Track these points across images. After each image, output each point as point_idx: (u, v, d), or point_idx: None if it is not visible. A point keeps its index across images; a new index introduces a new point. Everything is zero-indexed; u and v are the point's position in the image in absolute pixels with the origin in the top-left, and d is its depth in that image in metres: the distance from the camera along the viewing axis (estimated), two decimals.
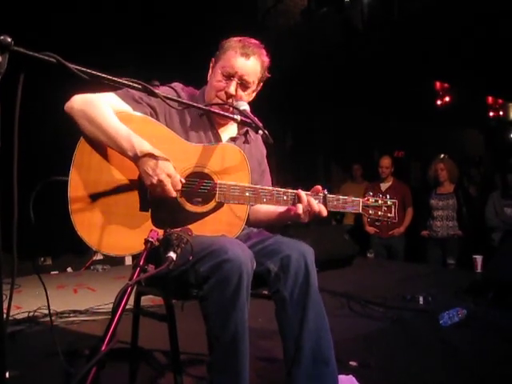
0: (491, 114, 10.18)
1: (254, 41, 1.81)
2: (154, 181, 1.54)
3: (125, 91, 1.69)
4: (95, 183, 1.61)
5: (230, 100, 1.77)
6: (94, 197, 1.60)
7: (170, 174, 1.55)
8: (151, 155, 1.54)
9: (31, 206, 1.55)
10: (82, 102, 1.61)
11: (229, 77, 1.76)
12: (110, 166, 1.63)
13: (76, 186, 1.60)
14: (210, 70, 1.87)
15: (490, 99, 9.99)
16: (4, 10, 3.89)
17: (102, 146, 1.61)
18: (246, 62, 1.76)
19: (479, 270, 4.34)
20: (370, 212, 1.85)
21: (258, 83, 1.85)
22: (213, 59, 1.86)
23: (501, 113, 10.28)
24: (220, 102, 1.77)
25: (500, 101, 10.07)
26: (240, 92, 1.79)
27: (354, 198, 1.83)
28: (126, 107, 1.68)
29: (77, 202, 1.59)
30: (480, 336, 2.68)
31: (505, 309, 3.09)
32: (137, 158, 1.55)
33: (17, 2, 4.34)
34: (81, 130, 1.60)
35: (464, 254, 4.89)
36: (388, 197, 1.88)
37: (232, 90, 1.76)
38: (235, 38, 1.82)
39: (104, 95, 1.66)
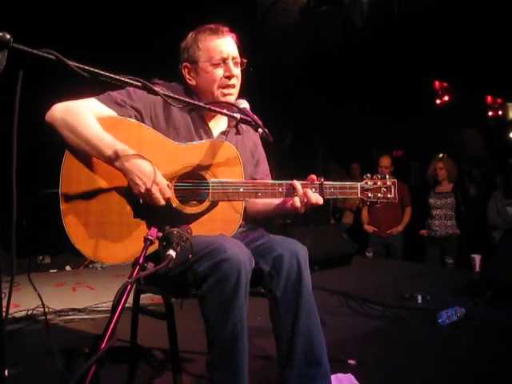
0: (490, 113, 10.18)
1: (213, 24, 1.81)
2: (142, 190, 1.53)
3: (106, 95, 1.66)
4: (86, 195, 1.59)
5: (233, 80, 1.77)
6: (87, 208, 1.59)
7: (158, 181, 1.54)
8: (137, 163, 1.52)
9: (25, 218, 1.54)
10: (62, 111, 1.57)
11: (223, 62, 1.76)
12: (99, 175, 1.61)
13: (67, 201, 1.58)
14: (191, 75, 1.83)
15: (489, 99, 9.99)
16: (3, 7, 3.87)
17: (88, 155, 1.58)
18: (227, 41, 1.78)
19: (477, 269, 4.35)
20: (369, 195, 1.79)
21: (241, 58, 1.83)
22: (186, 64, 1.82)
23: (500, 112, 10.28)
24: (224, 93, 1.77)
25: (499, 100, 10.07)
26: (236, 71, 1.79)
27: (351, 183, 1.78)
28: (109, 112, 1.64)
29: (70, 215, 1.58)
30: (478, 335, 2.69)
31: (503, 308, 3.09)
32: (123, 167, 1.53)
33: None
34: (64, 141, 1.57)
35: (462, 253, 4.90)
36: (387, 177, 1.82)
37: (233, 71, 1.76)
38: (194, 33, 1.82)
39: (85, 101, 1.63)
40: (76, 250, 1.59)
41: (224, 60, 1.76)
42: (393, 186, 1.81)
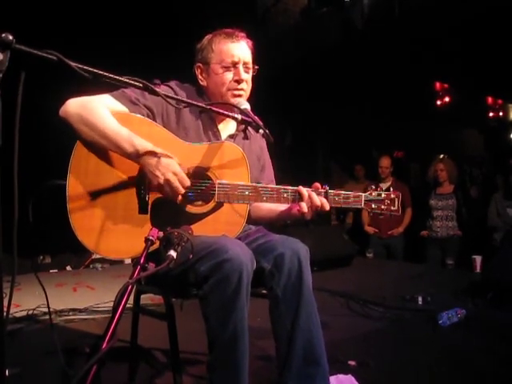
0: (491, 114, 10.19)
1: (229, 29, 1.84)
2: (161, 180, 1.53)
3: (120, 92, 1.67)
4: (93, 187, 1.60)
5: (242, 84, 1.79)
6: (93, 201, 1.59)
7: (176, 171, 1.54)
8: (154, 155, 1.53)
9: (30, 211, 1.54)
10: (77, 106, 1.58)
11: (233, 66, 1.78)
12: (108, 169, 1.61)
13: (74, 192, 1.59)
14: (203, 75, 1.85)
15: (490, 100, 10.00)
16: (6, 8, 3.88)
17: (99, 149, 1.59)
18: (240, 46, 1.80)
19: (478, 270, 4.35)
20: (373, 206, 1.80)
21: (253, 65, 1.85)
22: (199, 65, 1.85)
23: (500, 113, 10.28)
24: (234, 95, 1.78)
25: (500, 101, 10.08)
26: (245, 76, 1.81)
27: (356, 193, 1.79)
28: (122, 108, 1.66)
29: (75, 207, 1.59)
30: (479, 336, 2.68)
31: (504, 309, 3.09)
32: (141, 160, 1.53)
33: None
34: (78, 135, 1.58)
35: (463, 255, 4.89)
36: (391, 190, 1.84)
37: (243, 76, 1.78)
38: (210, 36, 1.84)
39: (99, 97, 1.63)
40: (78, 244, 1.59)
41: (235, 64, 1.78)
42: (396, 199, 1.82)
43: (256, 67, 1.85)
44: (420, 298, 3.42)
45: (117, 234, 1.61)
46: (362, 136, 7.83)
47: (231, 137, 1.88)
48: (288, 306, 1.61)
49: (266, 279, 1.64)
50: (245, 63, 1.80)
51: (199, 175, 1.67)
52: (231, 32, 1.82)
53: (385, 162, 5.49)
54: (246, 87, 1.82)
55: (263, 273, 1.63)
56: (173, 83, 1.81)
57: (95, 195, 1.60)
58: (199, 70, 1.86)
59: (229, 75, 1.78)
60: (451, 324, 2.85)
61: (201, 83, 1.87)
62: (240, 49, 1.80)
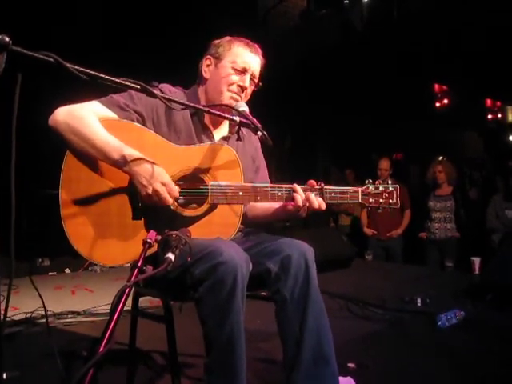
0: (489, 116, 10.21)
1: (250, 41, 1.87)
2: (149, 191, 1.52)
3: (109, 98, 1.66)
4: (85, 195, 1.59)
5: (243, 93, 1.80)
6: (86, 209, 1.59)
7: (164, 181, 1.54)
8: (144, 165, 1.52)
9: (25, 219, 1.54)
10: (65, 115, 1.57)
11: (242, 71, 1.79)
12: (99, 176, 1.61)
13: (67, 199, 1.58)
14: (209, 68, 1.85)
15: (489, 101, 10.02)
16: (3, 9, 3.88)
17: (90, 157, 1.58)
18: (256, 59, 1.84)
19: (477, 271, 4.34)
20: (371, 200, 1.76)
21: (258, 80, 1.88)
22: (209, 57, 1.85)
23: (499, 115, 10.31)
24: (231, 95, 1.79)
25: (498, 103, 10.10)
26: (249, 87, 1.83)
27: (352, 188, 1.76)
28: (111, 115, 1.65)
29: (69, 214, 1.58)
30: (478, 338, 2.68)
31: (502, 311, 3.09)
32: (130, 170, 1.53)
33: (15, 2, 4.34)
34: (67, 145, 1.57)
35: (462, 256, 4.89)
36: (390, 182, 1.78)
37: (247, 83, 1.80)
38: (231, 38, 1.86)
39: (88, 104, 1.63)
40: (74, 251, 1.58)
41: (244, 70, 1.80)
42: (395, 192, 1.77)
43: (260, 84, 1.88)
44: (419, 300, 3.42)
45: (111, 242, 1.60)
46: (362, 138, 7.84)
47: (224, 139, 1.88)
48: (296, 307, 1.60)
49: (272, 281, 1.63)
50: (253, 75, 1.83)
51: (192, 178, 1.66)
52: (251, 43, 1.86)
53: (384, 164, 5.48)
54: (244, 97, 1.83)
55: (269, 275, 1.63)
56: (162, 86, 1.78)
57: (88, 203, 1.59)
58: (207, 62, 1.86)
59: (235, 77, 1.79)
60: (450, 326, 2.85)
61: (203, 74, 1.86)
62: (254, 60, 1.83)
